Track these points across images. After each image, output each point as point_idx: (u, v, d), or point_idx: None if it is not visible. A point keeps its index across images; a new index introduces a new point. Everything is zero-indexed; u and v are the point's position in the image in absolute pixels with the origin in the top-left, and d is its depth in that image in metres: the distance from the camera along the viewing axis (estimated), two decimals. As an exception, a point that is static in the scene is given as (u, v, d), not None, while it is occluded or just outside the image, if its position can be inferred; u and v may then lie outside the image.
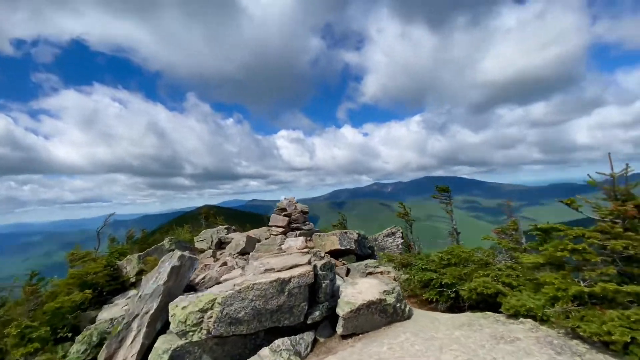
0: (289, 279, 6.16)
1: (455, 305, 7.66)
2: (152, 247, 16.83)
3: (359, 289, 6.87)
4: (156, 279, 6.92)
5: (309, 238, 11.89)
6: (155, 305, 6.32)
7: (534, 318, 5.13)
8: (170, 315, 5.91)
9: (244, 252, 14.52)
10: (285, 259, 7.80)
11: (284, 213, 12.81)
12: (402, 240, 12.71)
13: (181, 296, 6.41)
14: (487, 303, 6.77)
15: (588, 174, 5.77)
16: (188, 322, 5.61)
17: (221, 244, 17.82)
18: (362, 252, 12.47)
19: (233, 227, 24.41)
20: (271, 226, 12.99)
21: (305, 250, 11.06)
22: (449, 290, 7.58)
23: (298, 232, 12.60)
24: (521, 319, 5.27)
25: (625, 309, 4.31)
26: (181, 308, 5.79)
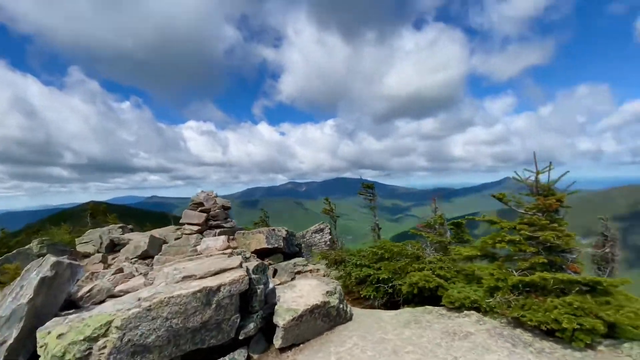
0: (218, 288, 4.90)
1: (390, 301, 7.54)
2: (14, 252, 12.78)
3: (299, 292, 6.04)
4: (16, 296, 4.75)
5: (231, 237, 10.47)
6: (14, 334, 4.27)
7: (478, 310, 5.22)
8: (39, 346, 4.02)
9: (145, 256, 12.10)
10: (207, 263, 6.40)
11: (200, 209, 11.02)
12: (330, 237, 12.40)
13: (56, 318, 4.48)
14: (423, 297, 6.78)
15: (515, 171, 6.22)
16: (68, 357, 3.86)
17: (114, 247, 14.60)
18: (290, 250, 11.66)
19: (129, 226, 20.71)
20: (183, 224, 11.04)
21: (229, 251, 9.64)
22: (386, 285, 7.40)
23: (218, 230, 11.00)
24: (465, 312, 5.31)
25: (558, 297, 4.66)
26: (56, 336, 3.97)
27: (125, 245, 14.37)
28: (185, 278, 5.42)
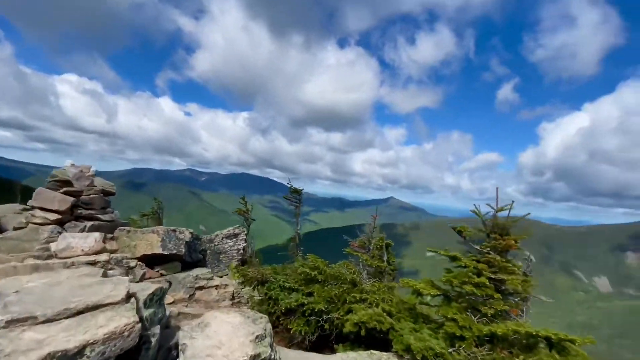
0: (81, 351, 2.70)
1: (322, 336, 6.29)
2: None
3: (215, 338, 4.15)
4: None
5: (109, 236, 7.51)
6: None
7: (439, 364, 4.42)
8: None
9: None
10: (65, 284, 3.89)
11: (65, 189, 7.64)
12: (245, 244, 10.49)
13: None
14: (363, 336, 5.75)
15: (475, 204, 5.85)
16: None
17: None
18: (191, 258, 9.29)
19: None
20: (33, 208, 7.45)
21: (104, 257, 6.78)
22: (320, 318, 6.13)
23: (90, 223, 7.81)
24: (424, 365, 4.44)
25: (524, 352, 4.24)
26: None
27: None
28: (13, 323, 2.92)
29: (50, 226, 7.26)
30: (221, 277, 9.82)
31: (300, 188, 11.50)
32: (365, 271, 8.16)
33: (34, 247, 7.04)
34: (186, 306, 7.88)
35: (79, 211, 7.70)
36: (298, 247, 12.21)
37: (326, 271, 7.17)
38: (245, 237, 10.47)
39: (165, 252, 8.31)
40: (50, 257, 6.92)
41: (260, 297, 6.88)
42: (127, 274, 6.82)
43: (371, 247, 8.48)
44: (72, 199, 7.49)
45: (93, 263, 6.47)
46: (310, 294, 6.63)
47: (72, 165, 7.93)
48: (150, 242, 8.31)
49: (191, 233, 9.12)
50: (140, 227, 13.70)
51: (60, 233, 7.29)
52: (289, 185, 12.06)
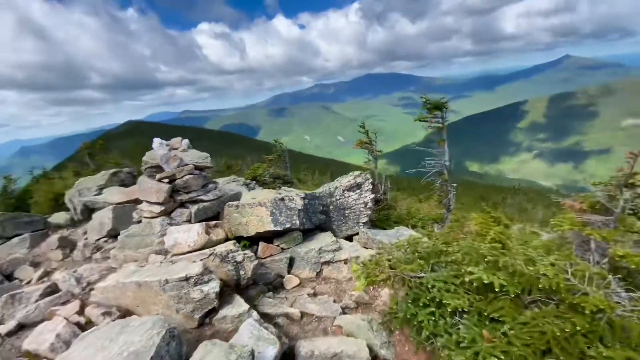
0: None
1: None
2: None
3: None
4: None
5: (213, 224, 6.35)
6: None
7: None
8: None
9: (115, 234, 8.72)
10: None
11: (160, 175, 6.72)
12: (373, 196, 7.90)
13: None
14: None
15: None
16: None
17: (91, 213, 11.42)
18: (311, 222, 7.49)
19: (126, 170, 17.32)
20: (141, 201, 7.03)
21: (207, 251, 5.65)
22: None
23: (195, 207, 6.89)
24: None
25: None
26: None
27: (101, 210, 11.06)
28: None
29: (159, 219, 6.72)
30: (351, 240, 7.86)
31: (443, 100, 7.34)
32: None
33: (154, 242, 6.68)
34: (314, 290, 6.32)
35: (180, 198, 6.82)
36: (447, 185, 8.66)
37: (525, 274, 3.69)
38: (370, 186, 7.79)
39: (278, 228, 6.73)
40: (167, 252, 6.39)
41: (407, 301, 4.32)
42: (236, 270, 5.55)
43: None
44: (167, 186, 6.55)
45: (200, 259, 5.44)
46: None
47: (160, 144, 6.87)
48: (261, 217, 6.83)
49: (303, 197, 7.14)
50: (264, 178, 13.09)
51: (170, 224, 6.68)
52: (423, 99, 8.02)
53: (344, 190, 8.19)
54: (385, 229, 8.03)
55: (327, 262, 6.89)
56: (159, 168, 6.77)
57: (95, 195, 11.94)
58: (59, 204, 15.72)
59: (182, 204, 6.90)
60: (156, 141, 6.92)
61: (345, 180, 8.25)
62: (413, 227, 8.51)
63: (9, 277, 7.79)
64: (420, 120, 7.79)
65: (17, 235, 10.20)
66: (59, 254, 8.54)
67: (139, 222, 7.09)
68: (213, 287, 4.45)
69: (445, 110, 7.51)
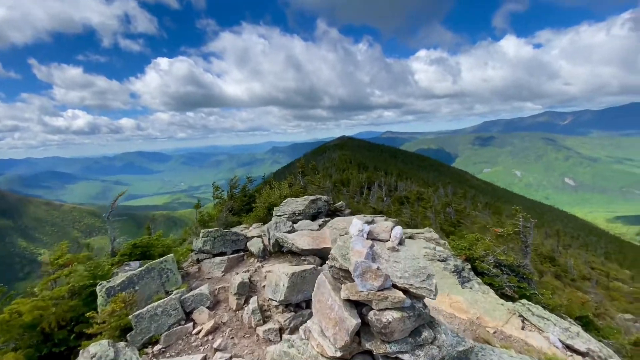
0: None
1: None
2: (144, 267, 11.36)
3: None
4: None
5: None
6: None
7: None
8: None
9: (288, 304, 7.17)
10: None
11: (348, 294, 4.10)
12: None
13: None
14: None
15: None
16: None
17: (280, 248, 10.88)
18: None
19: (324, 198, 17.10)
20: (327, 251, 4.68)
21: None
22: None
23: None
24: None
25: None
26: None
27: (290, 249, 10.26)
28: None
29: None
30: None
31: None
32: None
33: None
34: None
35: (368, 344, 3.86)
36: None
37: None
38: None
39: None
40: None
41: None
42: None
43: None
44: (353, 323, 3.77)
45: None
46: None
47: (360, 232, 4.23)
48: None
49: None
50: (482, 263, 8.51)
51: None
52: None
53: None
54: None
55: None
56: (345, 274, 4.19)
57: (289, 229, 11.46)
58: (270, 213, 17.23)
59: (370, 354, 3.99)
60: (356, 225, 4.39)
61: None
62: None
63: (189, 314, 7.57)
64: None
65: (221, 253, 10.86)
66: (234, 302, 7.80)
67: None
68: None
69: None
